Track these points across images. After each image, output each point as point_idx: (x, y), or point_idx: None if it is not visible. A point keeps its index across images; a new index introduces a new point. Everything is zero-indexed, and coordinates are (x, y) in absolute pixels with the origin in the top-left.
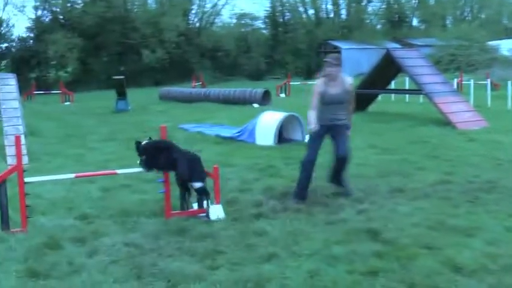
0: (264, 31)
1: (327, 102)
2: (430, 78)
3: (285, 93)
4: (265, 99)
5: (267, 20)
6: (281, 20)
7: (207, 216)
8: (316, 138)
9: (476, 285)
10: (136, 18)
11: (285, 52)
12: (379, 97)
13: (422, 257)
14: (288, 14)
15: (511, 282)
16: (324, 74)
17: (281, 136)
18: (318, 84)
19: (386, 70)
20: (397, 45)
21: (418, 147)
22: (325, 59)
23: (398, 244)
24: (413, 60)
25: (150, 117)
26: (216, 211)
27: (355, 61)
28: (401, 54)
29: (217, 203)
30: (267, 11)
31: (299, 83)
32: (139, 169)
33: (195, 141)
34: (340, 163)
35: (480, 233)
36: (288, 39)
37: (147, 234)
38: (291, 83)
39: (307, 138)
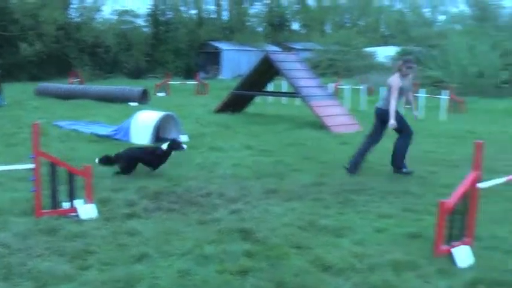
0: (146, 29)
1: (400, 94)
2: (306, 81)
3: (165, 93)
4: (143, 98)
5: (148, 18)
6: (163, 18)
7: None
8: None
9: (343, 284)
10: (15, 10)
11: (165, 51)
12: (257, 99)
13: (292, 256)
14: (169, 12)
15: (375, 280)
16: (404, 73)
17: (157, 135)
18: (396, 80)
19: (264, 72)
20: (278, 49)
21: (293, 149)
22: (406, 60)
23: (269, 244)
24: (291, 63)
25: (26, 113)
26: (88, 210)
27: (235, 62)
28: (279, 57)
29: (90, 202)
30: (149, 8)
31: (179, 82)
32: (11, 166)
33: (70, 138)
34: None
35: (349, 233)
36: (169, 38)
37: (17, 233)
38: (170, 83)
39: (183, 137)
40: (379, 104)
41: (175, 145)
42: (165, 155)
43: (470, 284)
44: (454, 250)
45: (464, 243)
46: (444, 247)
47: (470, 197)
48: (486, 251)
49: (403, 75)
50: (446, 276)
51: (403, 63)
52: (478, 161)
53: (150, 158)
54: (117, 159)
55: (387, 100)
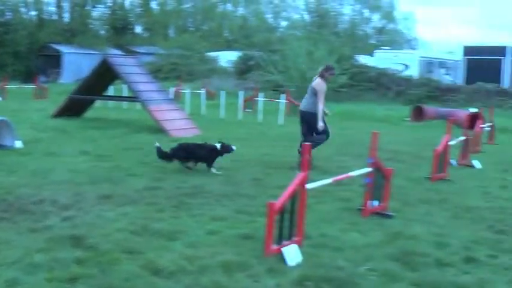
0: None
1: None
2: (145, 86)
3: (1, 97)
4: None
5: None
6: (1, 19)
7: None
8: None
9: (173, 286)
10: None
11: (3, 54)
12: (97, 103)
13: (124, 261)
14: (9, 13)
15: (205, 281)
16: (326, 78)
17: None
18: (323, 85)
19: (103, 76)
20: (120, 52)
21: (131, 154)
22: (329, 67)
23: (100, 250)
24: (130, 67)
25: None
26: None
27: (76, 66)
28: (118, 61)
29: None
30: None
31: (16, 86)
32: None
33: None
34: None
35: (182, 236)
36: (8, 41)
37: None
38: (7, 86)
39: (17, 143)
40: (304, 107)
41: (225, 147)
42: (218, 153)
43: (298, 281)
44: (283, 249)
45: (294, 242)
46: (274, 247)
47: (298, 197)
48: (315, 249)
49: (326, 80)
50: (275, 274)
51: (327, 70)
52: (306, 162)
53: (204, 154)
54: (173, 154)
55: (313, 103)
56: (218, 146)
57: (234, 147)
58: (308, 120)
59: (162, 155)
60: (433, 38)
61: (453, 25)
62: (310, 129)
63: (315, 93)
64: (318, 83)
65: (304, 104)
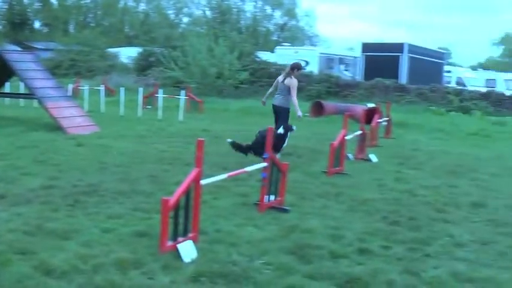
0: None
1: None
2: (42, 82)
3: None
4: None
5: None
6: None
7: None
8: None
9: (66, 286)
10: None
11: None
12: None
13: (16, 262)
14: None
15: (99, 280)
16: (297, 75)
17: None
18: (296, 82)
19: None
20: (18, 48)
21: (26, 152)
22: (298, 65)
23: None
24: (26, 63)
25: None
26: None
27: None
28: (13, 57)
29: None
30: None
31: None
32: None
33: None
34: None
35: (76, 236)
36: None
37: None
38: None
39: None
40: (277, 102)
41: (288, 128)
42: (283, 137)
43: (193, 278)
44: (179, 246)
45: (189, 239)
46: (169, 243)
47: (193, 193)
48: (211, 244)
49: (295, 77)
50: (170, 271)
51: (298, 69)
52: (200, 158)
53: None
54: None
55: (287, 100)
56: (281, 129)
57: (294, 127)
58: (280, 114)
59: (237, 147)
60: (335, 35)
61: (354, 22)
62: (281, 122)
63: (288, 90)
64: (291, 80)
65: (278, 100)
